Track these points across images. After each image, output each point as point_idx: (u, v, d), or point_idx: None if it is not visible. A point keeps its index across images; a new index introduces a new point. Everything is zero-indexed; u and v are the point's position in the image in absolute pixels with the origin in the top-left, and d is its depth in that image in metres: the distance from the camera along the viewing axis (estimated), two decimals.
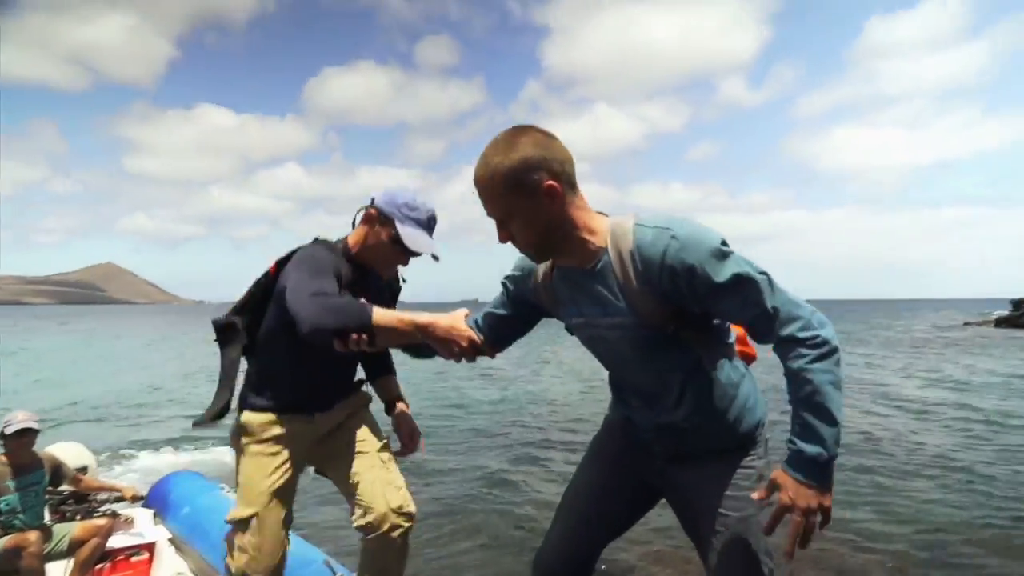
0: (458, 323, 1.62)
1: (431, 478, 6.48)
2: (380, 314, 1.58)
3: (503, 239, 1.43)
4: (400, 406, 2.34)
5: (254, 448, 2.05)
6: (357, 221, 2.09)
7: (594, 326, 1.50)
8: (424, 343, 1.65)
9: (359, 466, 2.10)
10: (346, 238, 2.09)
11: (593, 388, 13.36)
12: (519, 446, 8.12)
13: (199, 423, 2.03)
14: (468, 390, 13.45)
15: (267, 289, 2.03)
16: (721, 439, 1.53)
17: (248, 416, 2.07)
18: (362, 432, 2.18)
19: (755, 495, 1.40)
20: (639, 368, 1.53)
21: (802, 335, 1.29)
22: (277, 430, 2.06)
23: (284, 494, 2.05)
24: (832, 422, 1.28)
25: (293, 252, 2.00)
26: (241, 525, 2.00)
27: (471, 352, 1.62)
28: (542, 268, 1.59)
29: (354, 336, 1.56)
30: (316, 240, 2.08)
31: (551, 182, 1.34)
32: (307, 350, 1.93)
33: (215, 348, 2.06)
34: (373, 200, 2.04)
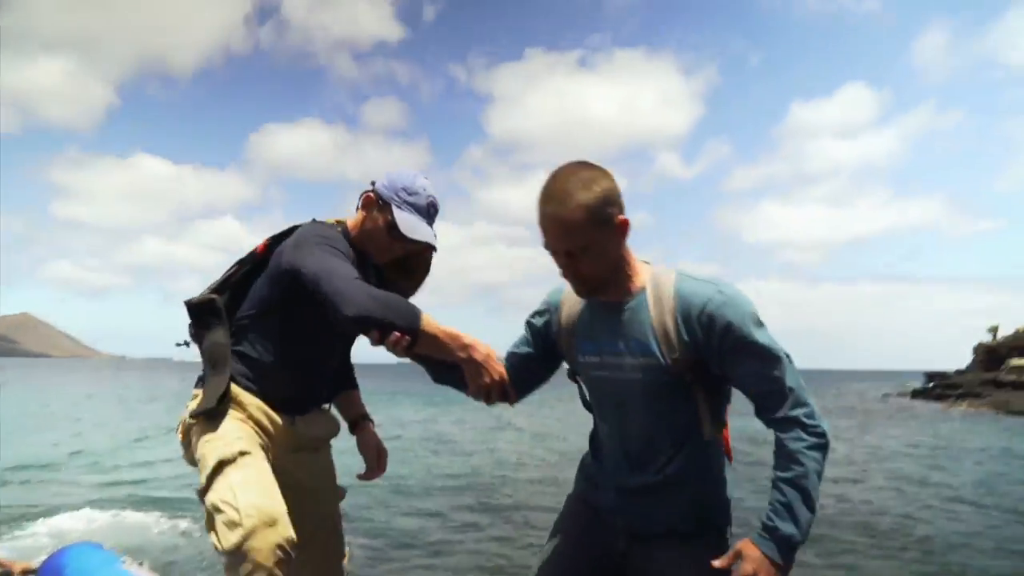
0: (494, 354, 1.53)
1: (387, 538, 6.26)
2: (427, 319, 1.50)
3: (569, 273, 1.41)
4: (367, 425, 2.12)
5: (237, 415, 1.76)
6: (358, 205, 1.92)
7: (607, 366, 1.46)
8: (453, 365, 1.54)
9: (312, 525, 1.88)
10: (346, 221, 1.93)
11: (560, 453, 13.19)
12: (480, 512, 7.90)
13: (203, 413, 1.73)
14: (424, 456, 12.99)
15: (255, 267, 1.85)
16: (689, 517, 1.48)
17: (236, 389, 1.79)
18: (325, 480, 2.00)
19: (717, 563, 1.37)
20: (641, 416, 1.47)
21: (807, 421, 1.33)
22: (263, 416, 1.80)
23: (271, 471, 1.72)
24: (811, 508, 1.32)
25: (289, 230, 1.83)
26: (229, 465, 1.63)
27: (499, 388, 1.53)
28: (568, 302, 1.56)
29: (396, 335, 1.46)
30: (315, 221, 1.88)
31: (623, 216, 1.38)
32: (298, 337, 1.82)
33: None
34: (374, 183, 1.89)
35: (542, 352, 1.64)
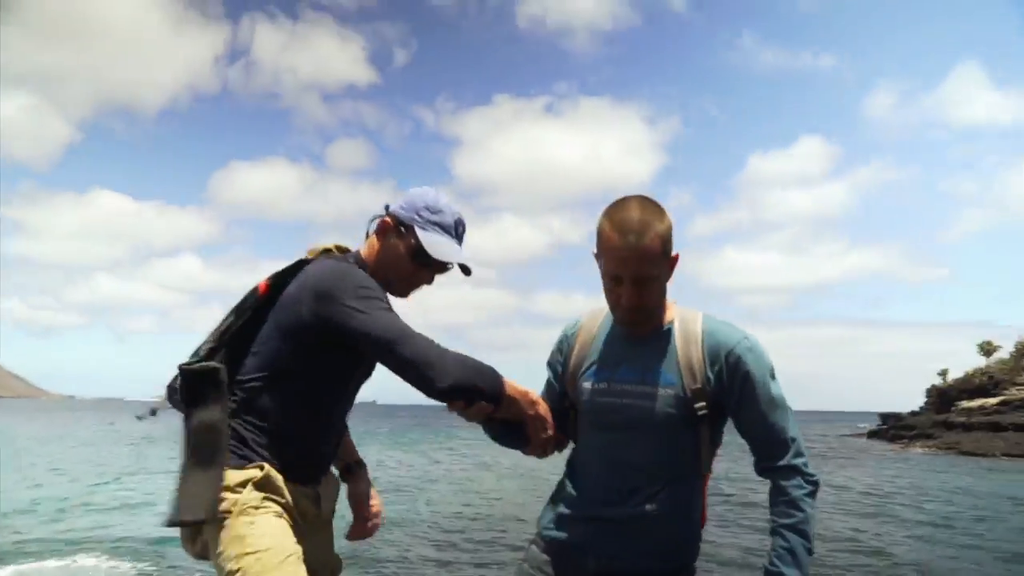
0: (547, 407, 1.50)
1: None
2: (508, 383, 1.44)
3: (628, 301, 1.40)
4: (361, 472, 1.83)
5: (275, 507, 1.47)
6: (370, 232, 1.67)
7: (616, 392, 1.47)
8: (513, 423, 1.49)
9: None
10: (358, 252, 1.67)
11: (530, 491, 13.00)
12: (459, 550, 7.74)
13: (192, 521, 1.42)
14: (394, 500, 12.70)
15: (256, 313, 1.56)
16: (658, 554, 1.46)
17: (269, 470, 1.49)
18: (327, 553, 1.70)
19: None
20: (643, 445, 1.45)
21: (806, 469, 1.42)
22: (294, 502, 1.53)
23: None
24: (810, 552, 1.37)
25: (295, 267, 1.58)
26: None
27: (554, 440, 1.52)
28: (584, 332, 1.58)
29: (482, 403, 1.40)
30: (326, 253, 1.63)
31: (676, 251, 1.45)
32: (321, 398, 1.57)
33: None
34: (388, 207, 1.66)
35: (564, 391, 1.62)
